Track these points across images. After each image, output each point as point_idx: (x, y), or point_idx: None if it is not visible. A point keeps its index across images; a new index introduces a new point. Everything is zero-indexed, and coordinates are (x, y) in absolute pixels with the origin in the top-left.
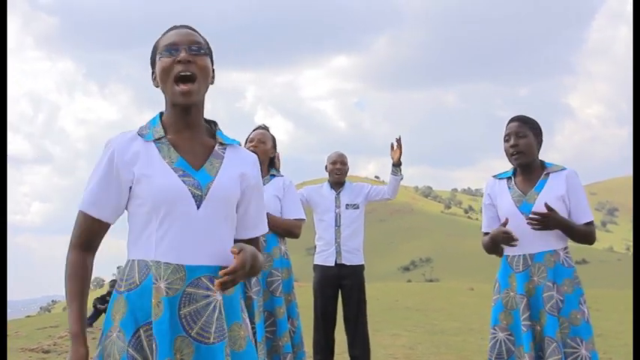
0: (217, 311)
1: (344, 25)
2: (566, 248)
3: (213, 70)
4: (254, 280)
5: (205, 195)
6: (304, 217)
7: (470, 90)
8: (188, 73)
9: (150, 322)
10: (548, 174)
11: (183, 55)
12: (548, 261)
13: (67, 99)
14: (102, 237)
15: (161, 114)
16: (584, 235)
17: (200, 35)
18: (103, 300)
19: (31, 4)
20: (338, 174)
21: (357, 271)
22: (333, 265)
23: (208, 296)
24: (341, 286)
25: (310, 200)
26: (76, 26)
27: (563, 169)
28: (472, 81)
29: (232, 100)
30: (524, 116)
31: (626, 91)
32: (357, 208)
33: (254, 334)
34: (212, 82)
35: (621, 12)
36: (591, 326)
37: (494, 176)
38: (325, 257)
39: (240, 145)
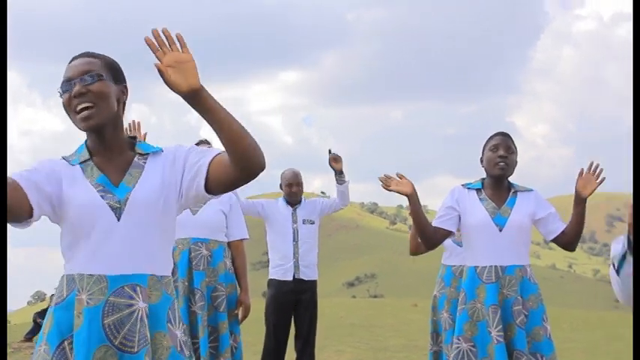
0: (140, 320)
1: (293, 41)
2: (530, 265)
3: (125, 87)
4: (198, 295)
5: (124, 206)
6: (247, 237)
7: (417, 108)
8: (85, 105)
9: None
10: (516, 192)
11: (76, 89)
12: (518, 275)
13: (10, 110)
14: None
15: (87, 141)
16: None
17: (98, 58)
18: (44, 314)
19: None
20: (294, 197)
21: (313, 286)
22: (290, 279)
23: (132, 305)
24: (297, 302)
25: (267, 213)
26: (21, 37)
27: (531, 190)
28: (419, 99)
29: (179, 114)
30: (510, 135)
31: (572, 111)
32: (313, 223)
33: (197, 349)
34: (124, 100)
35: (566, 33)
36: (553, 343)
37: (463, 185)
38: (283, 272)
39: (162, 151)
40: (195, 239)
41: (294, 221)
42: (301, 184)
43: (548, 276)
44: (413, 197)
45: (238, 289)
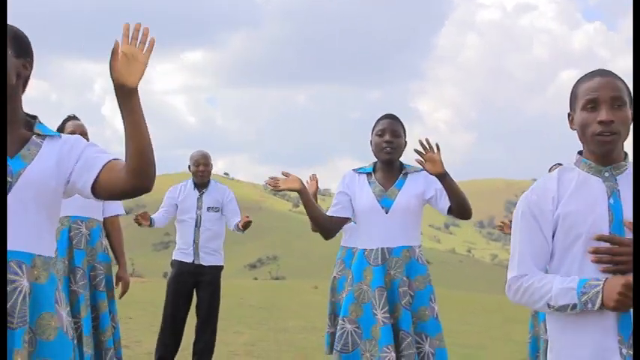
0: (22, 297)
1: (199, 20)
2: (420, 246)
3: (28, 62)
4: (80, 273)
5: (16, 181)
6: (123, 213)
7: (321, 91)
8: None
9: None
10: (406, 174)
11: None
12: (405, 256)
13: None
14: None
15: None
16: (464, 197)
17: (13, 32)
18: None
19: None
20: (202, 176)
21: (215, 270)
22: (190, 262)
23: (15, 281)
24: (196, 283)
25: (178, 201)
26: None
27: (421, 170)
28: (324, 82)
29: (80, 91)
30: (398, 117)
31: (474, 99)
32: (218, 211)
33: (78, 327)
34: (26, 75)
35: (470, 21)
36: (440, 323)
37: (354, 170)
38: (184, 255)
39: (60, 137)
40: (75, 217)
41: (199, 207)
42: (208, 164)
43: (447, 260)
44: (303, 192)
45: (115, 266)
